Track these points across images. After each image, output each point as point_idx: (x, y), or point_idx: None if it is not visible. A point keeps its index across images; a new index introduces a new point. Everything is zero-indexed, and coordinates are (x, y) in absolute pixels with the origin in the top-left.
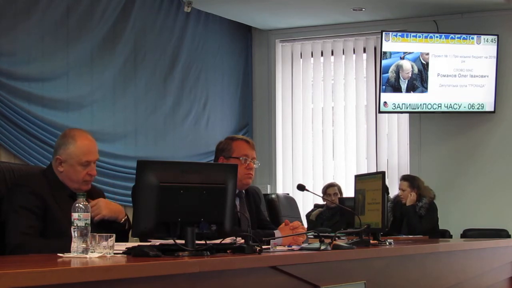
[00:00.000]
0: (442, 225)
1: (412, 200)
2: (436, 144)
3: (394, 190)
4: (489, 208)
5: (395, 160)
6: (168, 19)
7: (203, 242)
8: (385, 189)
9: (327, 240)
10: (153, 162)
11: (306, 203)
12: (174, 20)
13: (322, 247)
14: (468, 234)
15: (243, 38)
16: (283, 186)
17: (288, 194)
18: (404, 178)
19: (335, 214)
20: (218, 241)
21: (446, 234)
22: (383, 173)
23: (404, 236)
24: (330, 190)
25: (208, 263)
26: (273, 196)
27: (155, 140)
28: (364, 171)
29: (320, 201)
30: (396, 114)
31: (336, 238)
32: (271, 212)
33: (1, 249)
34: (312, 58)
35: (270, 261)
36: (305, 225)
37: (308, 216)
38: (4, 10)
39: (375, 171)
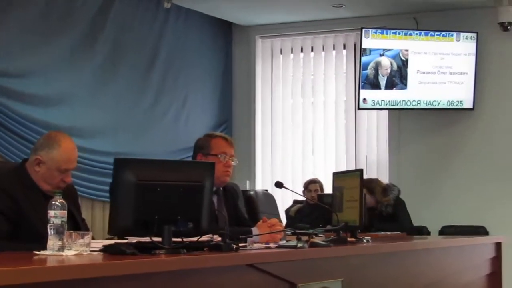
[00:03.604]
0: (420, 222)
1: (371, 203)
2: (415, 141)
3: None
4: (468, 205)
5: (374, 157)
6: (148, 15)
7: (180, 240)
8: (363, 187)
9: (304, 238)
10: (130, 160)
11: (285, 199)
12: (154, 16)
13: (299, 245)
14: (446, 231)
15: (223, 34)
16: (262, 182)
17: (267, 190)
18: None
19: (314, 210)
20: (195, 239)
21: (423, 231)
22: (361, 171)
23: (382, 233)
24: (312, 186)
25: (184, 261)
26: (251, 192)
27: (135, 136)
28: (343, 167)
29: (300, 197)
30: (375, 111)
31: (314, 236)
32: (249, 208)
33: None
34: (292, 54)
35: (246, 259)
36: (284, 221)
37: (287, 212)
38: None
39: (354, 167)
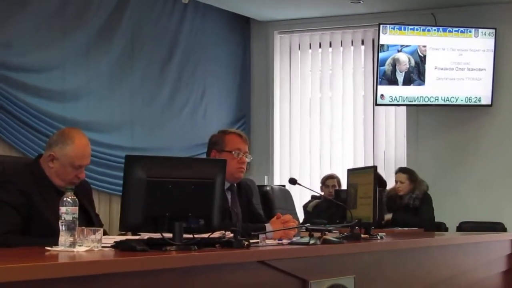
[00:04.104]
0: (438, 218)
1: (404, 191)
2: (433, 137)
3: (390, 183)
4: (485, 201)
5: (392, 153)
6: (166, 10)
7: (191, 236)
8: (379, 183)
9: (317, 234)
10: (141, 157)
11: (304, 194)
12: (171, 11)
13: (312, 242)
14: (463, 227)
15: (241, 29)
16: (280, 177)
17: (284, 186)
18: (403, 170)
19: (331, 205)
20: (206, 236)
21: (441, 227)
22: (375, 168)
23: (399, 228)
24: (329, 181)
25: (194, 257)
26: (268, 188)
27: (152, 130)
28: (361, 163)
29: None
30: (393, 107)
31: (326, 233)
32: (265, 204)
33: None
34: (310, 50)
35: (257, 256)
36: (302, 216)
37: (305, 207)
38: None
39: (371, 163)
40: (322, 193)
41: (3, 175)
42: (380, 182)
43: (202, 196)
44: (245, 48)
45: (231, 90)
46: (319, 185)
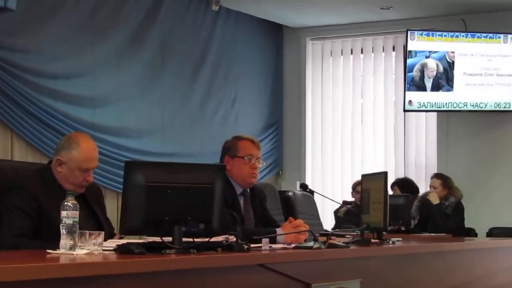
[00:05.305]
0: (468, 224)
1: (436, 198)
2: (464, 143)
3: (421, 189)
4: None
5: (423, 159)
6: (197, 17)
7: (191, 240)
8: (411, 189)
9: (322, 239)
10: (140, 163)
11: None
12: (203, 17)
13: (316, 246)
14: (494, 232)
15: (273, 36)
16: (312, 183)
17: (312, 192)
18: (438, 176)
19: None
20: (206, 240)
21: (471, 233)
22: (385, 173)
23: (426, 234)
24: (360, 187)
25: (191, 260)
26: (290, 193)
27: (182, 136)
28: (391, 169)
29: (349, 198)
30: (424, 113)
31: (334, 237)
32: (287, 209)
33: None
34: (342, 56)
35: (256, 259)
36: (332, 222)
37: (336, 212)
38: (31, 7)
39: (402, 169)
40: (353, 199)
41: (15, 180)
42: (412, 188)
43: (202, 201)
44: (278, 55)
45: (263, 96)
46: (350, 190)
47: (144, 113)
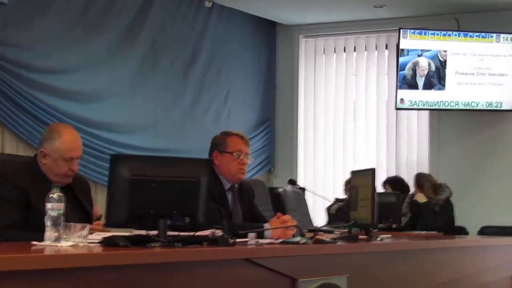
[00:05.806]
0: (460, 222)
1: (423, 197)
2: (455, 142)
3: (412, 187)
4: (508, 205)
5: (414, 157)
6: (190, 13)
7: (176, 234)
8: (402, 187)
9: (309, 234)
10: (126, 156)
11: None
12: (195, 14)
13: (302, 241)
14: (485, 231)
15: (266, 33)
16: (304, 179)
17: (304, 188)
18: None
19: None
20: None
21: (462, 231)
22: (373, 170)
23: (417, 232)
24: None
25: (176, 253)
26: (280, 190)
27: (174, 133)
28: (383, 166)
29: (341, 195)
30: (416, 111)
31: (321, 233)
32: (277, 206)
33: None
34: (335, 54)
35: (243, 254)
36: (324, 219)
37: (328, 209)
38: (24, 2)
39: (394, 167)
40: (346, 196)
41: (3, 173)
42: (403, 186)
43: (187, 195)
44: (270, 52)
45: (256, 93)
46: (342, 188)
47: (137, 109)
